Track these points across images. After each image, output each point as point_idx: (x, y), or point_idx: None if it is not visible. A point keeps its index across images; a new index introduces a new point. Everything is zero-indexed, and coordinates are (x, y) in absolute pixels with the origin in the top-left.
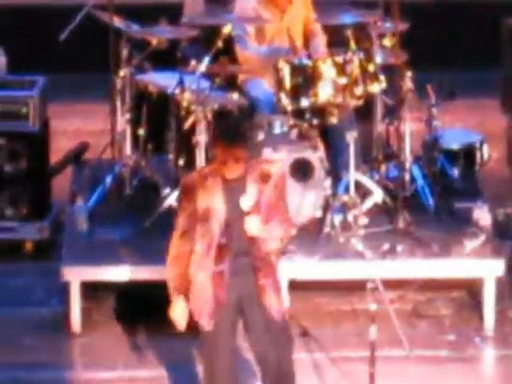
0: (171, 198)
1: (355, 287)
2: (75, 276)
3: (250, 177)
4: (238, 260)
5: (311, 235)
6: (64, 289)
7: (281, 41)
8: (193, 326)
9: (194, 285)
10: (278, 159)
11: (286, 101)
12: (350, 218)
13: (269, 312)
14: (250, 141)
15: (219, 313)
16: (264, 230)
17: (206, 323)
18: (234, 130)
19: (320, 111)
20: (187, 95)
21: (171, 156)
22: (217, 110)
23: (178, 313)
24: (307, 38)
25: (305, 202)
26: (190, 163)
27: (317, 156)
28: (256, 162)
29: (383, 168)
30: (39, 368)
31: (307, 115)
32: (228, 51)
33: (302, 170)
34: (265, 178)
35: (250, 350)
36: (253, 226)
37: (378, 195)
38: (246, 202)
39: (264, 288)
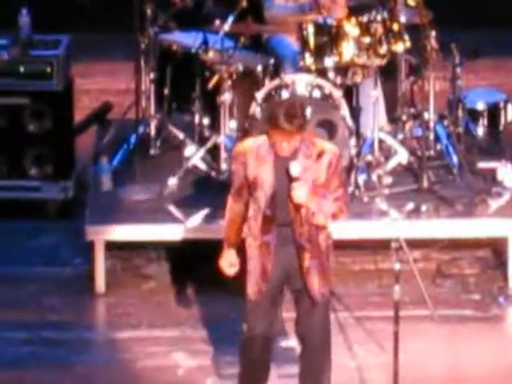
0: (195, 158)
1: (379, 247)
2: (99, 235)
3: (302, 152)
4: (284, 231)
5: None
6: (88, 248)
7: None
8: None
9: (246, 250)
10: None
11: (309, 60)
12: (374, 177)
13: (312, 294)
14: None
15: (264, 282)
16: (314, 202)
17: (252, 293)
18: (294, 114)
19: (344, 70)
20: (211, 54)
21: (196, 115)
22: (242, 70)
23: (226, 262)
24: None
25: None
26: (215, 123)
27: (340, 115)
28: (311, 139)
29: (407, 127)
30: (63, 328)
31: (331, 74)
32: (252, 10)
33: (325, 130)
34: (317, 155)
35: (295, 324)
36: (300, 193)
37: (402, 155)
38: (296, 168)
39: (309, 269)
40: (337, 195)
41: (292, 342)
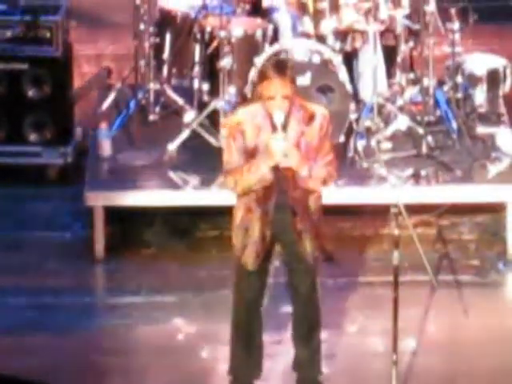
0: (194, 123)
1: (379, 212)
2: (99, 201)
3: (294, 117)
4: (280, 198)
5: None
6: (88, 214)
7: None
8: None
9: (239, 222)
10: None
11: (309, 25)
12: (373, 142)
13: (305, 257)
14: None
15: (263, 251)
16: (305, 166)
17: (251, 262)
18: (284, 64)
19: (343, 36)
20: (211, 20)
21: (195, 81)
22: (241, 35)
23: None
24: None
25: None
26: (214, 88)
27: (340, 81)
28: (301, 102)
29: (407, 93)
30: (63, 292)
31: (330, 40)
32: None
33: (325, 95)
34: (308, 119)
35: (286, 278)
36: (277, 144)
37: (401, 120)
38: (279, 117)
39: (300, 234)
40: (327, 159)
41: (286, 308)
